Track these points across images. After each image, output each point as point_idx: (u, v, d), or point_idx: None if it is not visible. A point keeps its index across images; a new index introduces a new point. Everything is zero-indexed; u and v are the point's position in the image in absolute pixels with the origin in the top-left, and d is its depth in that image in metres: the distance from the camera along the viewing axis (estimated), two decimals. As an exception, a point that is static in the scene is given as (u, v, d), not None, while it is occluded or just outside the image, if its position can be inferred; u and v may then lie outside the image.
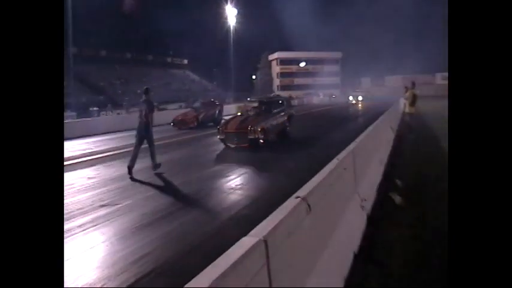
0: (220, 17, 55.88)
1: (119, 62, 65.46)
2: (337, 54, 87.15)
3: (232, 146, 12.39)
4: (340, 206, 4.00)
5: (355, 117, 25.08)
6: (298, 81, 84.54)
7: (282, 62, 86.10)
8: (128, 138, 16.89)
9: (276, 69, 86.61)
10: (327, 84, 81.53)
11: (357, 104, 44.87)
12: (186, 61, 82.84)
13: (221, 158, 10.91)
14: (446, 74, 73.30)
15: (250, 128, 11.92)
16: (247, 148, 11.93)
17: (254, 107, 14.44)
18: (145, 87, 9.56)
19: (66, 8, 28.23)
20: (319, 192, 3.23)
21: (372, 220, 4.78)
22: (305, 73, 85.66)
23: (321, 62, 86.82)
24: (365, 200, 4.87)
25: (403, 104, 19.70)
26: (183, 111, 24.39)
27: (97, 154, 12.33)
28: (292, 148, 12.24)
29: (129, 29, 67.43)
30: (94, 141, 16.39)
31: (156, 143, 9.12)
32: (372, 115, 23.39)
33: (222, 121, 13.65)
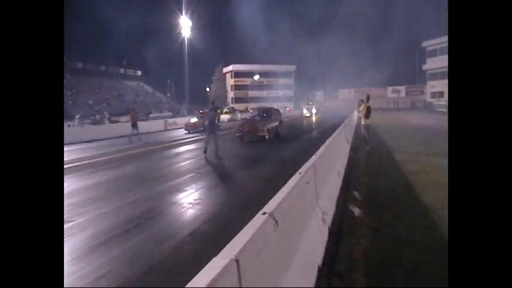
0: (175, 28, 55.35)
1: (70, 72, 63.44)
2: (291, 68, 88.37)
3: (246, 140, 17.83)
4: (303, 220, 3.99)
5: (310, 130, 25.44)
6: (252, 93, 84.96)
7: (237, 74, 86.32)
8: (81, 151, 16.40)
9: (230, 81, 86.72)
10: (281, 97, 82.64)
11: (311, 116, 45.63)
12: (139, 72, 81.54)
13: (189, 167, 10.75)
14: (397, 87, 76.31)
15: (260, 128, 17.63)
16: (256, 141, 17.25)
17: (258, 114, 20.66)
18: (211, 100, 17.16)
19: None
20: (285, 207, 3.20)
21: (333, 233, 4.82)
22: (259, 86, 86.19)
23: (275, 75, 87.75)
24: (326, 213, 4.90)
25: (356, 117, 20.33)
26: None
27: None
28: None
29: (80, 39, 65.62)
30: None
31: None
32: (326, 127, 23.93)
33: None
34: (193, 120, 28.49)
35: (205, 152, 13.75)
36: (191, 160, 12.72)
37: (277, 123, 20.29)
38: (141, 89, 76.15)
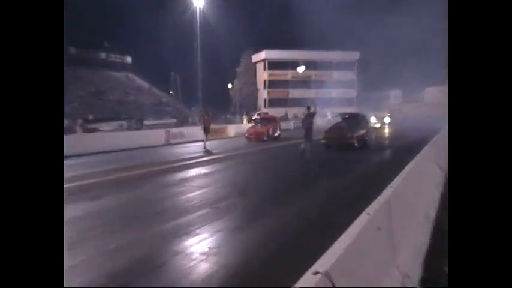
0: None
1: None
2: (353, 55, 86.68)
3: (333, 147, 23.45)
4: (373, 285, 3.95)
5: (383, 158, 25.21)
6: (294, 93, 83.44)
7: (272, 65, 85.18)
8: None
9: (262, 75, 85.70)
10: (336, 99, 78.99)
11: (382, 128, 45.15)
12: (129, 59, 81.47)
13: (203, 199, 10.84)
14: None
15: (349, 135, 23.42)
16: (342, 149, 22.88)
17: (343, 120, 27.14)
18: (307, 105, 21.35)
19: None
20: (346, 263, 3.19)
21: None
22: (305, 83, 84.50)
23: (328, 66, 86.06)
24: (408, 276, 4.83)
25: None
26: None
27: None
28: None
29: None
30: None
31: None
32: (405, 145, 23.62)
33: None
34: (254, 127, 35.40)
35: (300, 155, 19.66)
36: (206, 189, 12.95)
37: (364, 130, 25.82)
38: (131, 83, 76.47)
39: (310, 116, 20.15)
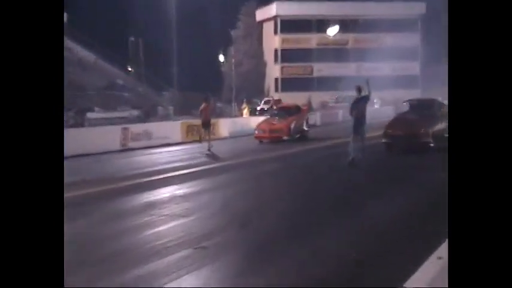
0: None
1: None
2: (415, 8, 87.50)
3: (396, 149, 25.41)
4: None
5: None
6: (322, 69, 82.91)
7: (288, 25, 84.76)
8: None
9: (272, 41, 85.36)
10: (388, 78, 79.15)
11: None
12: (63, 16, 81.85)
13: (180, 234, 10.86)
14: None
15: (423, 131, 24.58)
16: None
17: (411, 107, 29.75)
18: (357, 86, 22.28)
19: None
20: None
21: None
22: (339, 52, 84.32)
23: (376, 27, 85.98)
24: None
25: None
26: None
27: None
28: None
29: None
30: None
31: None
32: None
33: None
34: (268, 121, 36.99)
35: (349, 163, 20.84)
36: (185, 219, 12.81)
37: (444, 124, 25.52)
38: (66, 54, 76.62)
39: (362, 101, 21.18)
